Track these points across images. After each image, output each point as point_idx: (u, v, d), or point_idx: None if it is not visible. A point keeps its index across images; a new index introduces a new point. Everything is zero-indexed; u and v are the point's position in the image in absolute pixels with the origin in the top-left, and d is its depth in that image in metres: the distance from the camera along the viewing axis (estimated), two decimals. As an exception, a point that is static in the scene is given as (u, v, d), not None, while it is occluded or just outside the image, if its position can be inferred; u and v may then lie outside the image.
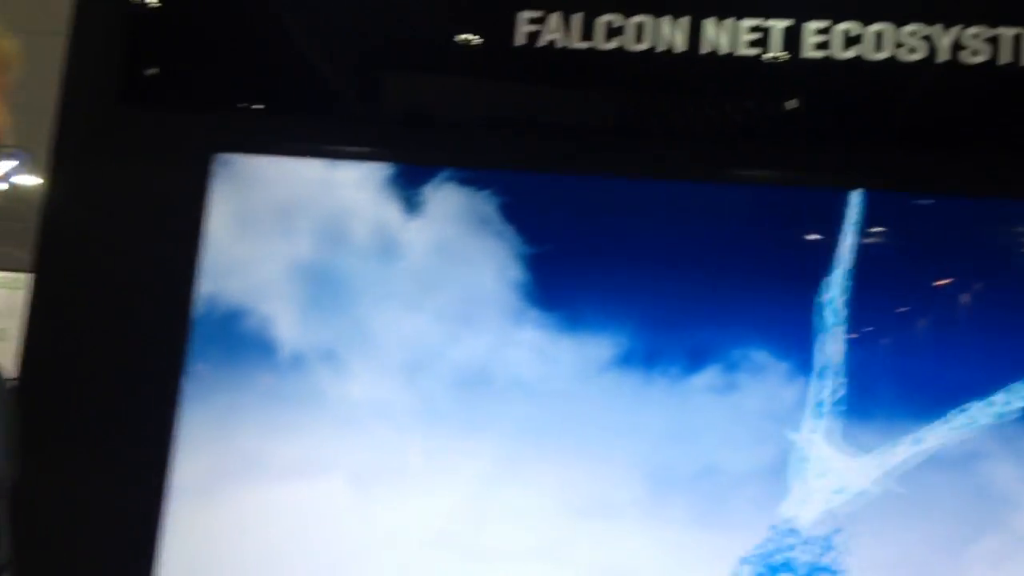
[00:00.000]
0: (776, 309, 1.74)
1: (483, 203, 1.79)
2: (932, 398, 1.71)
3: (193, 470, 1.80)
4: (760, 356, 1.73)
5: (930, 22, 1.76)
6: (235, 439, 1.78)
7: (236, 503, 1.78)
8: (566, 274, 1.77)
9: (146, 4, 1.96)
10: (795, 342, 1.73)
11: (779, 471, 1.71)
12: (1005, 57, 1.75)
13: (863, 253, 1.75)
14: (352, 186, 1.82)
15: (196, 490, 1.79)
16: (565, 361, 1.75)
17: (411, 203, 1.81)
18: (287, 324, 1.80)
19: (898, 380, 1.72)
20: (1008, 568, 1.65)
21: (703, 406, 1.74)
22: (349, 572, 1.77)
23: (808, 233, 1.77)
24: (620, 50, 1.81)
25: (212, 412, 1.79)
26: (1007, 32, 1.75)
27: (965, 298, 1.73)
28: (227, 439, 1.79)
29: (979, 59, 1.75)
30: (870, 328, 1.72)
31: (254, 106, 1.95)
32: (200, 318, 1.81)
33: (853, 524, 1.68)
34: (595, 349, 1.74)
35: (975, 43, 1.75)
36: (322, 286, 1.80)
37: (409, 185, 1.81)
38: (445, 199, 1.79)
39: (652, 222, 1.78)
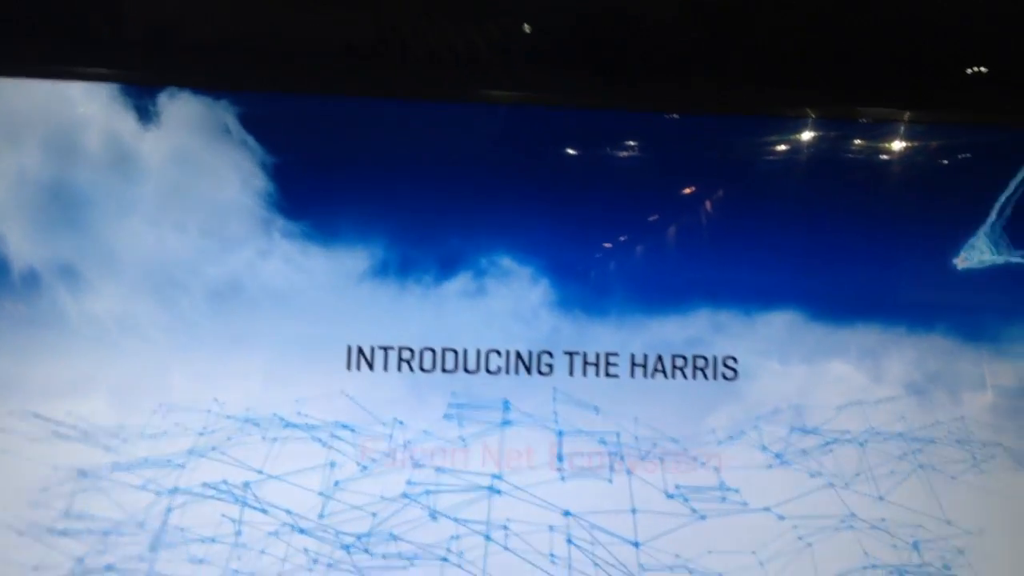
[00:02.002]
0: (518, 218, 1.87)
1: (223, 113, 1.82)
2: (663, 296, 1.90)
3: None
4: (505, 262, 1.86)
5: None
6: (-14, 366, 1.76)
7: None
8: (315, 186, 1.84)
9: None
10: (537, 248, 1.87)
11: (531, 368, 1.85)
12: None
13: (600, 167, 1.91)
14: (84, 100, 1.81)
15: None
16: (319, 271, 1.81)
17: (146, 114, 1.82)
18: (31, 243, 1.78)
19: (631, 279, 1.89)
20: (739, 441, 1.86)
21: (456, 311, 1.85)
22: (120, 495, 1.78)
23: (547, 149, 1.91)
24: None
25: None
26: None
27: (697, 209, 1.92)
28: (-23, 367, 1.76)
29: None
30: (603, 233, 1.89)
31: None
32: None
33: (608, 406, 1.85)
34: (349, 260, 1.82)
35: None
36: (60, 204, 1.79)
37: (143, 95, 1.82)
38: (182, 109, 1.81)
39: (401, 139, 1.87)
